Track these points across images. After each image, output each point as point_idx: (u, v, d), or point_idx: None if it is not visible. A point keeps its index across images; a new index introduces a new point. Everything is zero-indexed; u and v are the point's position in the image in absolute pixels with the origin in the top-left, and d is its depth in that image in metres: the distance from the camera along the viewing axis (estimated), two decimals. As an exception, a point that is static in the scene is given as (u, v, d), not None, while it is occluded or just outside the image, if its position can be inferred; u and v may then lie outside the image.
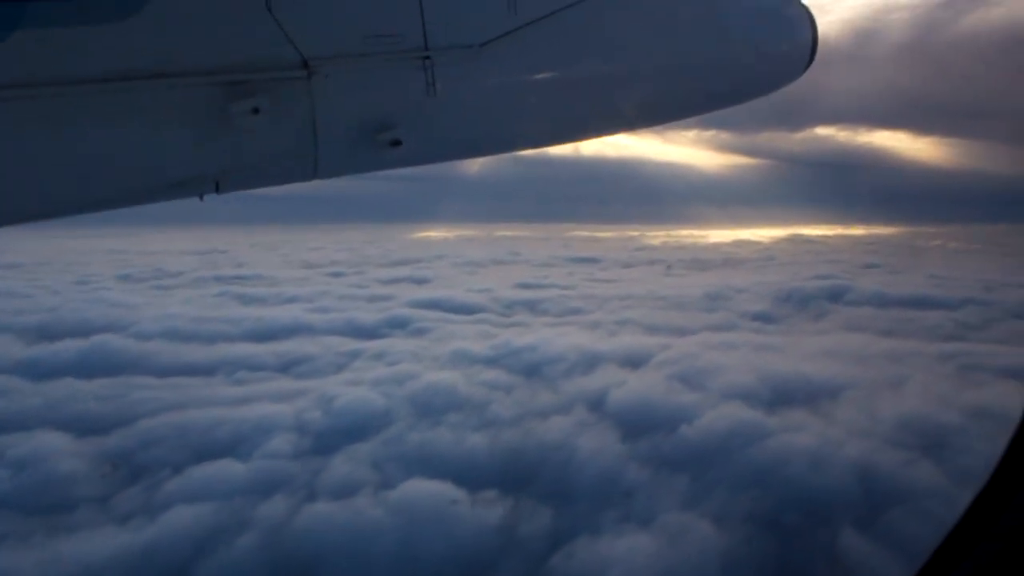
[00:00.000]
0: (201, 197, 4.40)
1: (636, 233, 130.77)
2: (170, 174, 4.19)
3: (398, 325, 57.28)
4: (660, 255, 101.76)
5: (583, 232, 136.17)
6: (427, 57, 4.33)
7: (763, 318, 58.17)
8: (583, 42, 4.93)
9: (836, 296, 65.51)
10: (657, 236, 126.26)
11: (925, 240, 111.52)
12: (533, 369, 41.80)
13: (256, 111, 4.01)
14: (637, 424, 33.57)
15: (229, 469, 31.89)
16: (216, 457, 33.08)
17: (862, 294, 64.93)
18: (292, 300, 70.07)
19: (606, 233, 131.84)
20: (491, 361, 43.78)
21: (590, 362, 42.29)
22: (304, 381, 43.64)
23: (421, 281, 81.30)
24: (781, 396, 36.03)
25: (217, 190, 4.34)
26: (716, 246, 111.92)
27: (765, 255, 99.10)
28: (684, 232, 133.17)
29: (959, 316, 55.13)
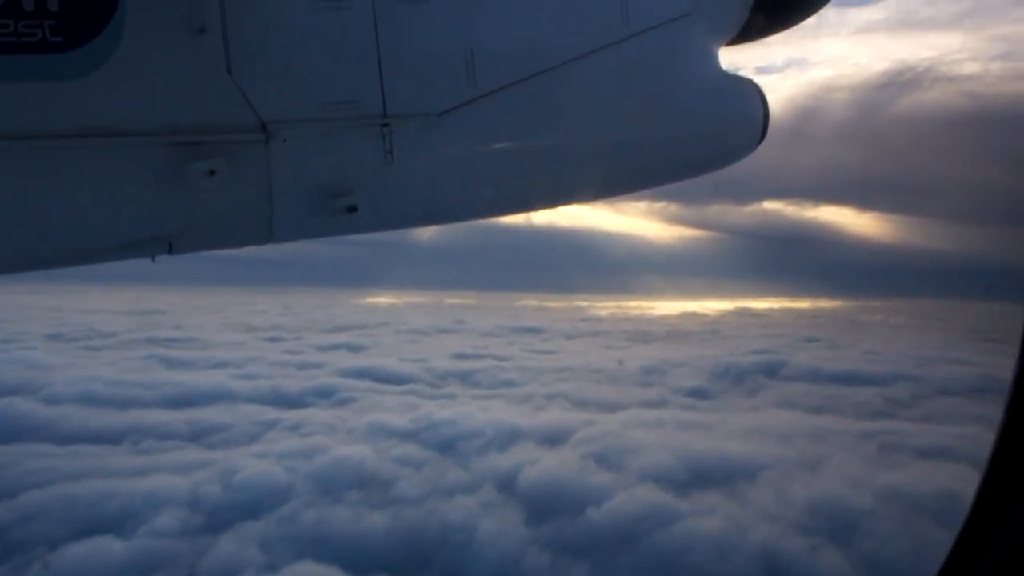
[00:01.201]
0: (153, 258, 4.29)
1: (585, 303, 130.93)
2: (123, 234, 4.10)
3: (323, 395, 55.58)
4: (605, 327, 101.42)
5: (533, 301, 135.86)
6: (386, 124, 4.36)
7: (697, 394, 57.42)
8: (540, 115, 4.98)
9: (772, 371, 65.20)
10: (606, 307, 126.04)
11: (868, 314, 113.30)
12: (449, 444, 40.42)
13: (212, 173, 3.98)
14: (544, 506, 32.34)
15: (107, 548, 29.91)
16: (98, 533, 31.11)
17: (797, 369, 64.72)
18: (220, 365, 67.90)
19: (555, 303, 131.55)
20: (408, 435, 42.32)
21: (508, 438, 41.02)
22: (212, 452, 41.73)
23: (358, 349, 79.57)
24: (698, 477, 35.09)
25: (170, 251, 4.22)
26: (662, 318, 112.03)
27: (710, 328, 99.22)
28: (632, 303, 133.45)
29: (889, 393, 54.97)
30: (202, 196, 4.08)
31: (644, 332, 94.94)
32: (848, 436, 42.21)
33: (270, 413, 49.77)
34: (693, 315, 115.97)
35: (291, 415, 49.08)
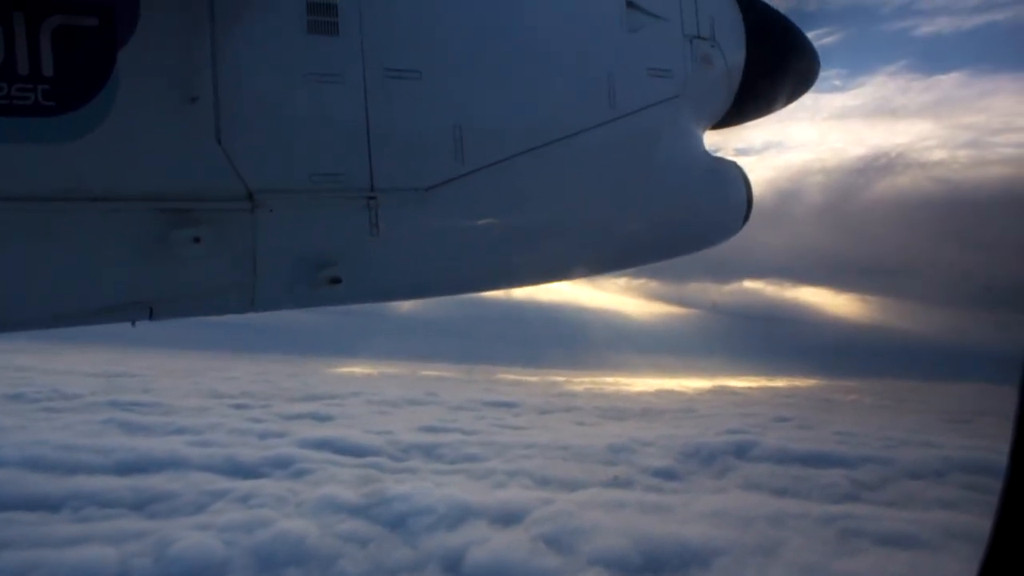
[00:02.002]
0: (133, 323, 4.24)
1: (562, 378, 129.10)
2: (103, 298, 4.06)
3: (280, 465, 54.08)
4: (580, 402, 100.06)
5: (510, 375, 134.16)
6: (372, 197, 4.38)
7: (664, 474, 56.17)
8: (527, 193, 5.02)
9: (742, 452, 64.18)
10: (582, 382, 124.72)
11: (842, 394, 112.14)
12: (399, 521, 39.14)
13: (197, 240, 3.96)
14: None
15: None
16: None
17: (766, 450, 63.71)
18: (179, 431, 66.31)
19: (531, 377, 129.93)
20: (358, 510, 40.98)
21: (461, 516, 39.79)
22: (152, 521, 40.21)
23: (324, 419, 78.09)
24: (651, 563, 34.04)
25: (151, 317, 4.17)
26: (638, 395, 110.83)
27: (685, 406, 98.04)
28: (610, 379, 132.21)
29: (856, 475, 54.07)
30: (186, 263, 4.07)
31: (618, 409, 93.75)
32: (809, 520, 41.18)
33: (221, 483, 48.29)
34: (670, 393, 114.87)
35: (243, 485, 47.60)
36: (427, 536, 36.94)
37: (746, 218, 6.06)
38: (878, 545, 35.87)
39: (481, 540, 35.83)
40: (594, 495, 46.57)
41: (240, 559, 33.22)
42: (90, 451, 55.88)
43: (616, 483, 51.22)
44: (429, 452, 62.01)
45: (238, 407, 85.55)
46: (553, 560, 33.37)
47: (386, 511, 40.59)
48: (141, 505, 43.53)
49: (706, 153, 6.04)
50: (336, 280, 4.38)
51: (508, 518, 39.93)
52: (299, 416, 79.37)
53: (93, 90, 3.74)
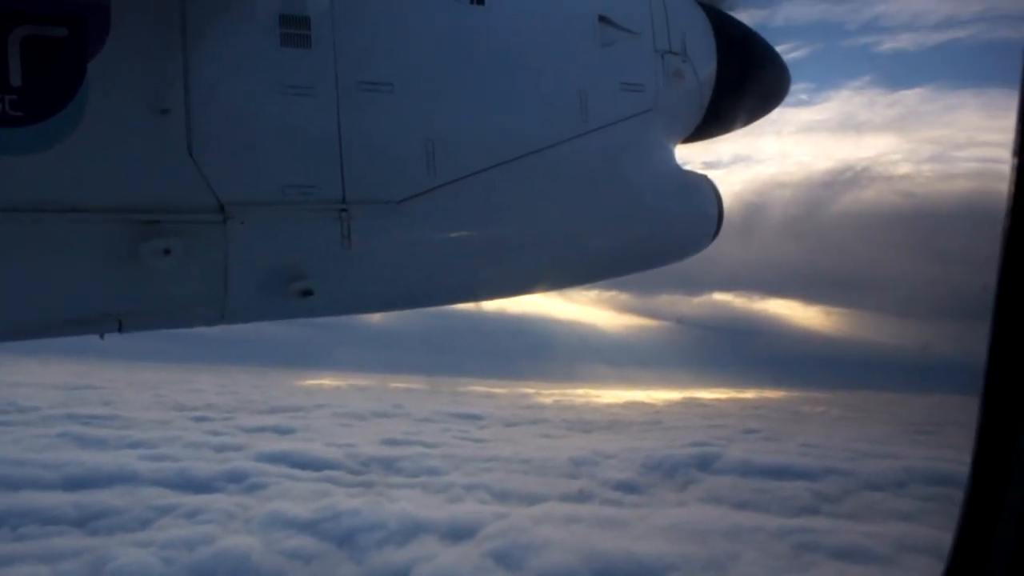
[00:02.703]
0: (102, 335, 4.20)
1: (531, 390, 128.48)
2: (72, 310, 4.02)
3: (234, 479, 52.96)
4: (548, 414, 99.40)
5: (479, 387, 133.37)
6: (344, 210, 4.35)
7: (624, 487, 55.64)
8: (499, 205, 5.03)
9: (705, 464, 63.79)
10: (552, 394, 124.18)
11: (811, 405, 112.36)
12: (347, 537, 38.22)
13: (168, 252, 3.91)
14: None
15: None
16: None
17: (730, 462, 63.35)
18: (134, 445, 64.86)
19: (501, 389, 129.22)
20: (306, 526, 40.01)
21: (411, 531, 38.97)
22: (93, 538, 39.03)
23: (286, 432, 76.83)
24: (599, 579, 33.36)
25: (120, 329, 4.12)
26: (607, 407, 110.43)
27: (653, 418, 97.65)
28: (579, 391, 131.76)
29: (818, 487, 53.83)
30: (156, 275, 4.00)
31: (585, 421, 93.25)
32: (765, 534, 40.73)
33: (170, 498, 47.17)
34: (638, 405, 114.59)
35: (192, 500, 46.52)
36: (374, 552, 36.09)
37: (717, 231, 6.03)
38: (831, 559, 35.49)
39: (429, 556, 35.05)
40: (550, 509, 45.92)
41: (179, 578, 32.20)
42: (39, 466, 54.48)
43: (577, 497, 50.62)
44: (389, 465, 61.13)
45: (199, 420, 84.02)
46: (500, 577, 32.71)
47: (335, 527, 39.67)
48: (84, 522, 42.33)
49: (677, 167, 6.04)
50: (308, 292, 4.33)
51: (460, 533, 39.16)
52: (260, 429, 78.03)
53: (63, 101, 3.68)
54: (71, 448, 63.75)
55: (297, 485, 51.68)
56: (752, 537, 40.06)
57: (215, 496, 48.12)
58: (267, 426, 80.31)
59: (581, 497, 50.87)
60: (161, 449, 63.10)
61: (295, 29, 4.41)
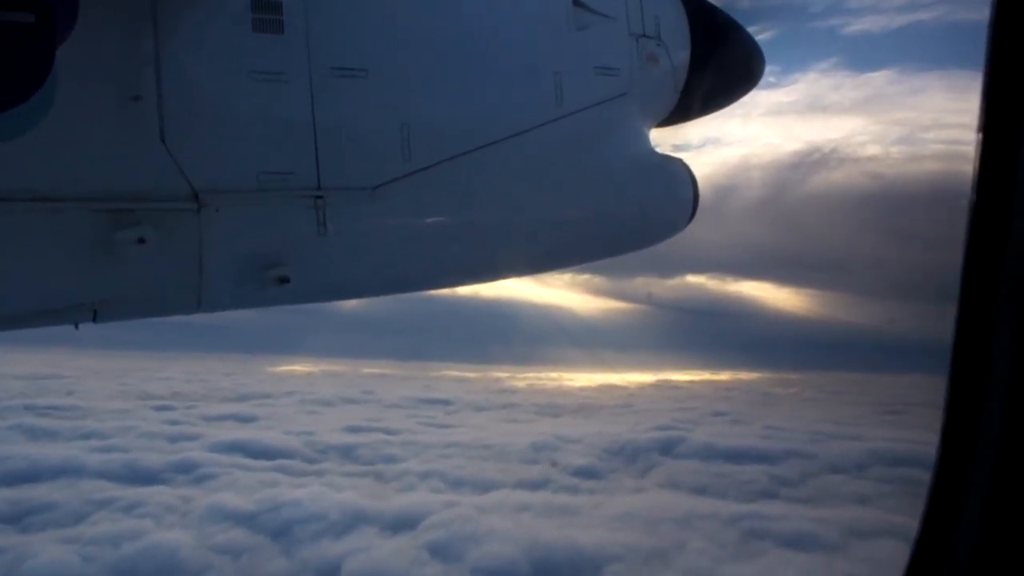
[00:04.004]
0: (76, 325, 4.21)
1: (505, 375, 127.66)
2: (45, 300, 4.01)
3: (183, 470, 51.71)
4: (518, 399, 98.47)
5: (453, 372, 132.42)
6: (320, 196, 4.38)
7: (583, 473, 54.72)
8: (474, 191, 5.06)
9: (668, 448, 63.01)
10: (525, 378, 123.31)
11: (783, 387, 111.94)
12: (284, 529, 37.06)
13: (142, 241, 3.93)
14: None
15: None
16: None
17: (692, 446, 62.61)
18: (87, 436, 63.42)
19: (474, 374, 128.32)
20: (245, 518, 38.80)
21: (351, 523, 37.85)
22: (21, 535, 37.68)
23: (248, 420, 75.53)
24: (539, 571, 32.36)
25: (95, 319, 4.12)
26: (580, 391, 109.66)
27: (624, 401, 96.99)
28: (553, 375, 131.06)
29: (777, 471, 53.13)
30: (130, 264, 3.97)
31: (555, 405, 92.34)
32: (716, 521, 39.86)
33: (111, 491, 45.81)
34: (611, 388, 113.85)
35: (133, 493, 45.22)
36: (308, 545, 34.95)
37: (692, 214, 6.04)
38: (777, 546, 34.70)
39: (363, 549, 33.97)
40: (503, 497, 44.94)
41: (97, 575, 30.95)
42: (-19, 459, 53.06)
43: (532, 484, 49.64)
44: (346, 453, 59.98)
45: (161, 409, 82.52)
46: (433, 570, 31.62)
47: (274, 519, 38.51)
48: (17, 518, 40.97)
49: (653, 150, 6.03)
50: (284, 280, 4.29)
51: (402, 524, 38.11)
52: (222, 417, 76.76)
53: (30, 88, 3.59)
54: (20, 441, 62.31)
55: (246, 476, 50.39)
56: (703, 525, 39.23)
57: (159, 488, 46.81)
58: (229, 415, 79.04)
59: (536, 484, 49.83)
60: (113, 440, 61.71)
61: (267, 14, 4.35)
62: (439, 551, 33.73)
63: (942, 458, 2.23)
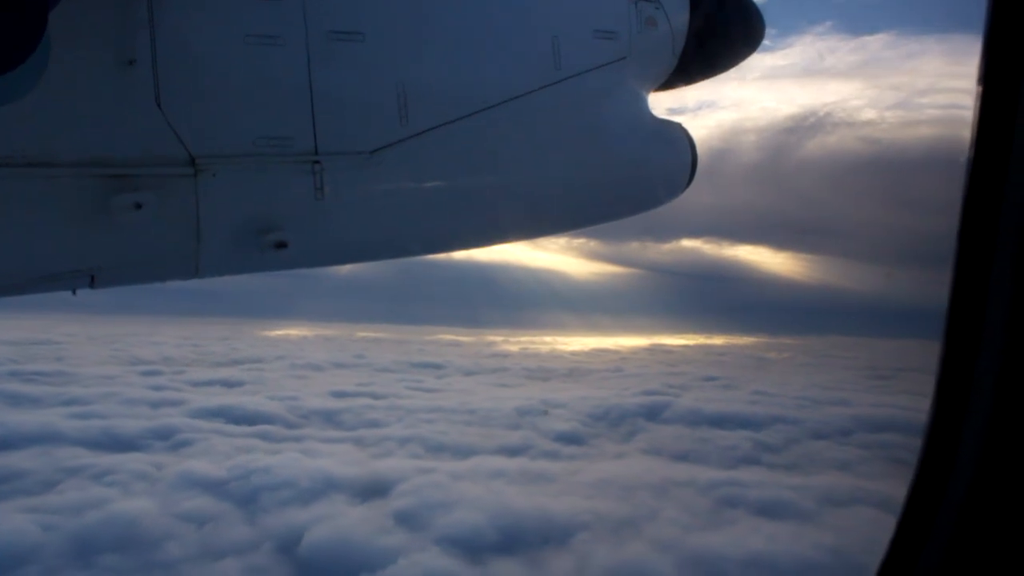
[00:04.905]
0: (74, 291, 4.26)
1: (499, 338, 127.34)
2: (42, 266, 4.06)
3: (161, 436, 51.18)
4: (510, 363, 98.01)
5: (447, 335, 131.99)
6: (317, 161, 4.38)
7: (566, 439, 54.15)
8: (472, 155, 5.04)
9: (654, 413, 62.47)
10: (520, 342, 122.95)
11: (776, 351, 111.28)
12: (251, 496, 36.57)
13: (139, 206, 3.94)
14: (322, 570, 28.83)
15: None
16: None
17: (678, 411, 62.07)
18: (69, 403, 62.99)
19: (469, 338, 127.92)
20: (213, 485, 38.34)
21: (321, 490, 37.38)
22: (-14, 503, 37.28)
23: (234, 385, 75.14)
24: (506, 539, 31.97)
25: (92, 285, 4.19)
26: (571, 355, 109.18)
27: (615, 366, 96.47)
28: (547, 339, 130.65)
29: (761, 436, 52.56)
30: (127, 230, 4.01)
31: (546, 369, 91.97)
32: (693, 489, 39.36)
33: (85, 458, 45.28)
34: (604, 352, 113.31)
35: (107, 461, 44.68)
36: (273, 514, 34.46)
37: (691, 178, 6.06)
38: (750, 515, 34.19)
39: (332, 516, 33.50)
40: (479, 463, 44.45)
41: (54, 546, 30.48)
42: (-40, 427, 52.64)
43: (511, 450, 49.13)
44: (329, 418, 59.52)
45: (148, 374, 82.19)
46: (395, 539, 31.09)
47: (243, 486, 38.05)
48: (-14, 485, 40.56)
49: (651, 114, 6.03)
50: (282, 244, 4.33)
51: (373, 491, 37.68)
52: (209, 383, 76.34)
53: (23, 52, 3.36)
54: (0, 408, 61.97)
55: (224, 442, 49.92)
56: (678, 492, 38.73)
57: (133, 455, 46.29)
58: (217, 379, 78.60)
59: (515, 450, 49.32)
60: (94, 407, 61.28)
61: None
62: (406, 519, 33.24)
63: (932, 425, 2.19)
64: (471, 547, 30.48)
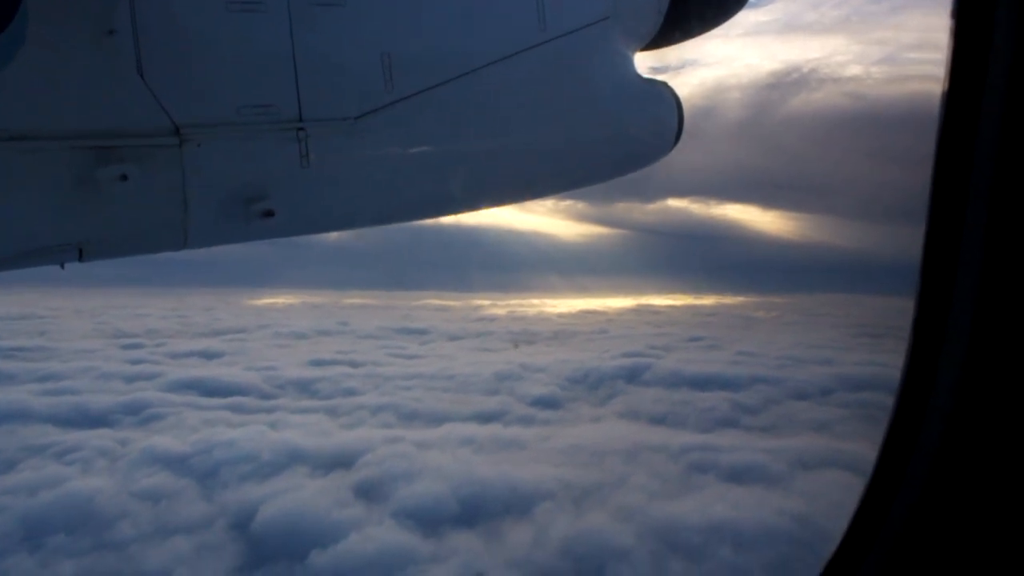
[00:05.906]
0: (62, 265, 4.22)
1: (486, 302, 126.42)
2: (29, 241, 4.00)
3: (132, 411, 50.42)
4: (495, 327, 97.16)
5: (435, 300, 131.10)
6: (301, 128, 4.35)
7: (542, 403, 53.40)
8: (457, 118, 5.02)
9: (633, 376, 61.75)
10: (507, 305, 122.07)
11: (764, 311, 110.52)
12: (211, 472, 35.84)
13: (124, 178, 3.92)
14: (274, 547, 28.17)
15: None
16: None
17: (658, 374, 61.32)
18: (44, 379, 62.17)
19: (456, 302, 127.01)
20: (174, 461, 37.58)
21: (283, 463, 36.66)
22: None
23: (213, 356, 74.27)
24: (467, 511, 31.31)
25: (80, 258, 4.13)
26: (558, 318, 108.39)
27: (600, 328, 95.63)
28: (534, 301, 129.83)
29: (741, 398, 51.75)
30: (113, 202, 3.99)
31: (531, 333, 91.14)
32: (664, 454, 38.61)
33: (52, 435, 44.58)
34: (590, 314, 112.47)
35: (73, 437, 43.95)
36: (232, 489, 33.76)
37: (678, 138, 6.01)
38: (719, 481, 33.50)
39: (291, 489, 32.81)
40: (450, 431, 43.75)
41: (7, 526, 29.80)
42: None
43: (484, 416, 48.41)
44: (305, 388, 58.82)
45: (129, 347, 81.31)
46: (356, 511, 30.42)
47: (204, 461, 37.32)
48: (-53, 465, 39.82)
49: (637, 74, 5.94)
50: (269, 213, 4.29)
51: (337, 463, 36.97)
52: (188, 354, 75.47)
53: (1, 23, 3.45)
54: (-29, 385, 61.15)
55: (194, 415, 49.18)
56: (649, 458, 38.03)
57: (100, 431, 45.55)
58: (196, 351, 77.70)
59: (489, 416, 48.58)
60: (68, 382, 60.42)
61: None
62: (365, 492, 32.55)
63: (905, 379, 2.18)
64: (428, 519, 29.82)
